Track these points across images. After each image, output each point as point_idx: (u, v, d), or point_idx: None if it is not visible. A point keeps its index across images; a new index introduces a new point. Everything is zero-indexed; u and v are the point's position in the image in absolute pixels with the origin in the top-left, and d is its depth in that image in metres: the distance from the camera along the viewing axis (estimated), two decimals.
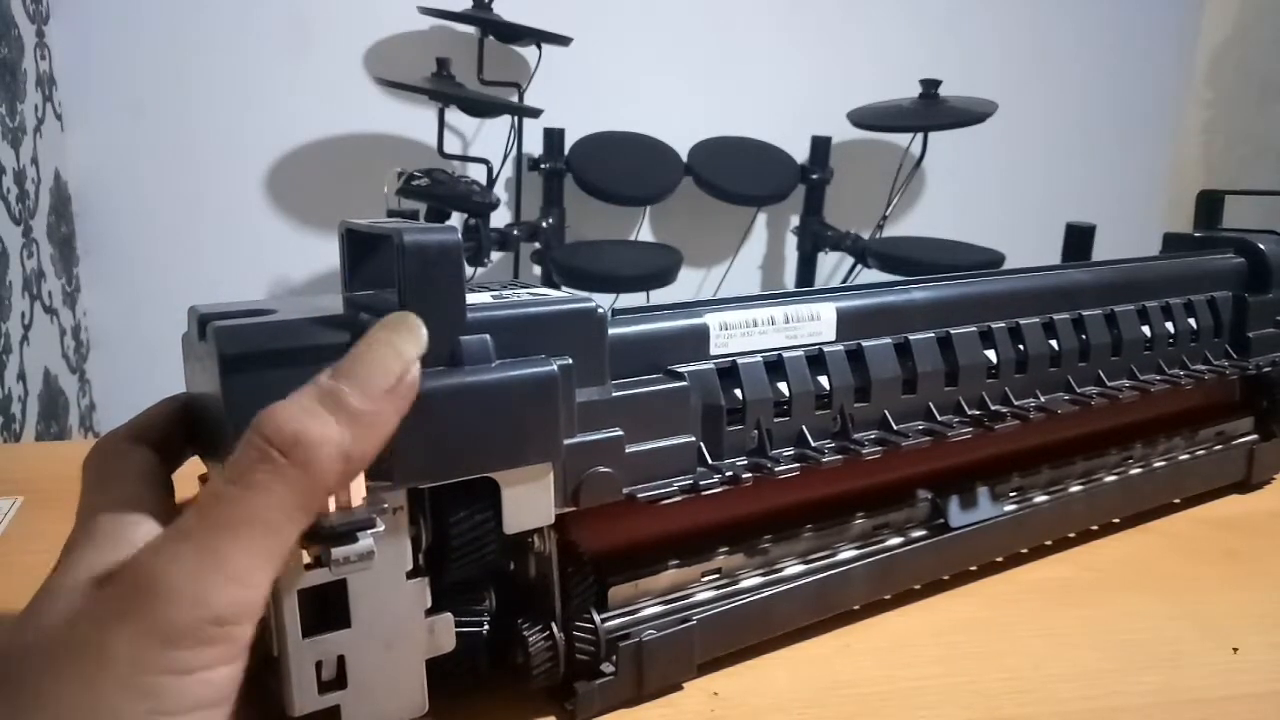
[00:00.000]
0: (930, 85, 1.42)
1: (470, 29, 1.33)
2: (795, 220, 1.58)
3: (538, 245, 1.40)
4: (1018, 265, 0.46)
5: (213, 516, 0.20)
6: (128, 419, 0.28)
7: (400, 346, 0.23)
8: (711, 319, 0.34)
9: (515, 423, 0.27)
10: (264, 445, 0.20)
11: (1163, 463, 0.50)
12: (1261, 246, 0.52)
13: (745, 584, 0.37)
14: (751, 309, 0.35)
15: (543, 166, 1.41)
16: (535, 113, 1.28)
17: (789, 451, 0.35)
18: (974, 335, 0.41)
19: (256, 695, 0.25)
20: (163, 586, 0.19)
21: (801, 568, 0.38)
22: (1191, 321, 0.49)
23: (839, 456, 0.36)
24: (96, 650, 0.19)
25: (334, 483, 0.22)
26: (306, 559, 0.24)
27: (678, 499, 0.32)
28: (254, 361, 0.24)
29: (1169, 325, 0.48)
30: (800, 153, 1.53)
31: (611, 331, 0.31)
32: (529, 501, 0.29)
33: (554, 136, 1.41)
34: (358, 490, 0.23)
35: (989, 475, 0.44)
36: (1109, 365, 0.46)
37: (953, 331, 0.40)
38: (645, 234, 1.57)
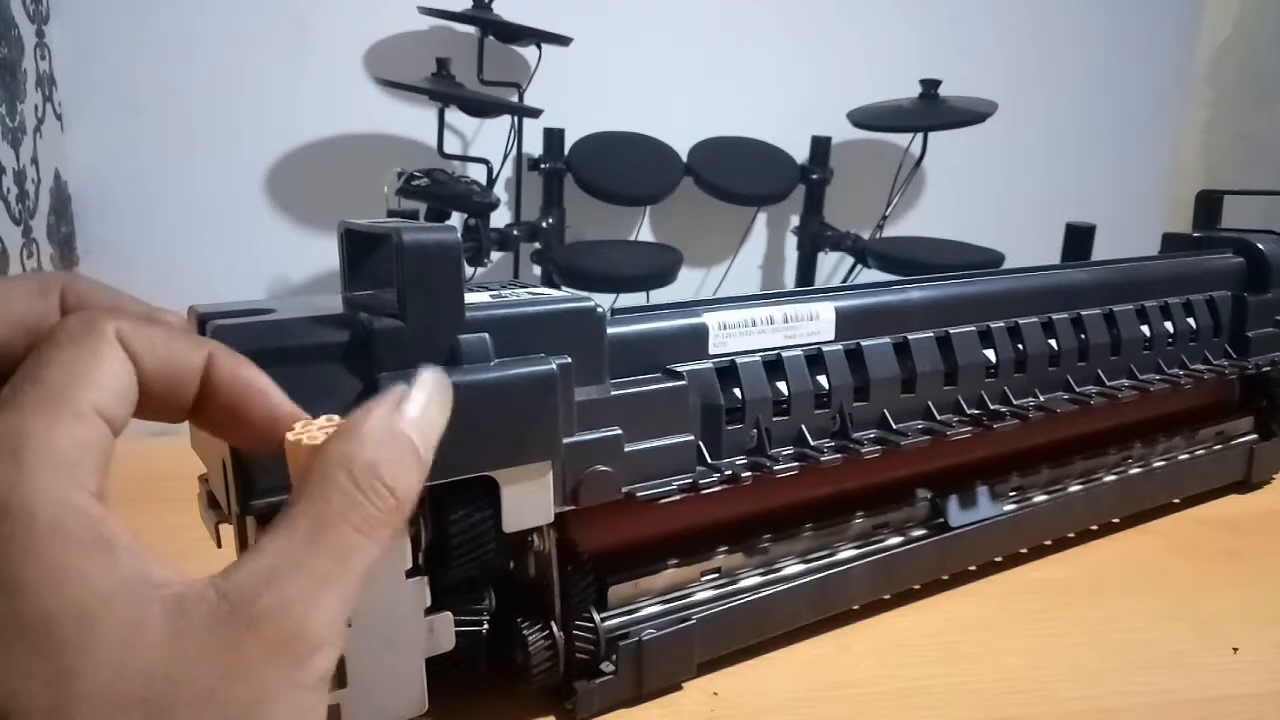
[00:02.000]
0: (930, 85, 1.42)
1: (470, 29, 1.33)
2: (795, 220, 1.58)
3: (538, 245, 1.40)
4: (1017, 265, 0.46)
5: (350, 566, 0.19)
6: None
7: (447, 412, 0.23)
8: (710, 318, 0.34)
9: (514, 421, 0.27)
10: (390, 499, 0.20)
11: (1162, 462, 0.50)
12: (1260, 246, 0.52)
13: (745, 583, 0.37)
14: (750, 308, 0.35)
15: (543, 166, 1.41)
16: (535, 113, 1.28)
17: (788, 450, 0.36)
18: (973, 335, 0.41)
19: None
20: (310, 632, 0.18)
21: (801, 567, 0.38)
22: (1191, 321, 0.49)
23: (838, 456, 0.36)
24: (259, 703, 0.18)
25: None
26: None
27: (677, 498, 0.32)
28: (254, 361, 0.24)
29: (1168, 325, 0.48)
30: (800, 153, 1.53)
31: (610, 331, 0.31)
32: (528, 500, 0.29)
33: (554, 136, 1.41)
34: None
35: (988, 475, 0.44)
36: (1108, 365, 0.46)
37: (952, 331, 0.40)
38: (645, 234, 1.57)
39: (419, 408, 0.22)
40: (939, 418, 0.39)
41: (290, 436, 0.22)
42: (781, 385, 0.35)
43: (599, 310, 0.30)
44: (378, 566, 0.20)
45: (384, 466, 0.20)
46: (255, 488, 0.24)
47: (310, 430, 0.22)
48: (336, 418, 0.23)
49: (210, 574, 0.19)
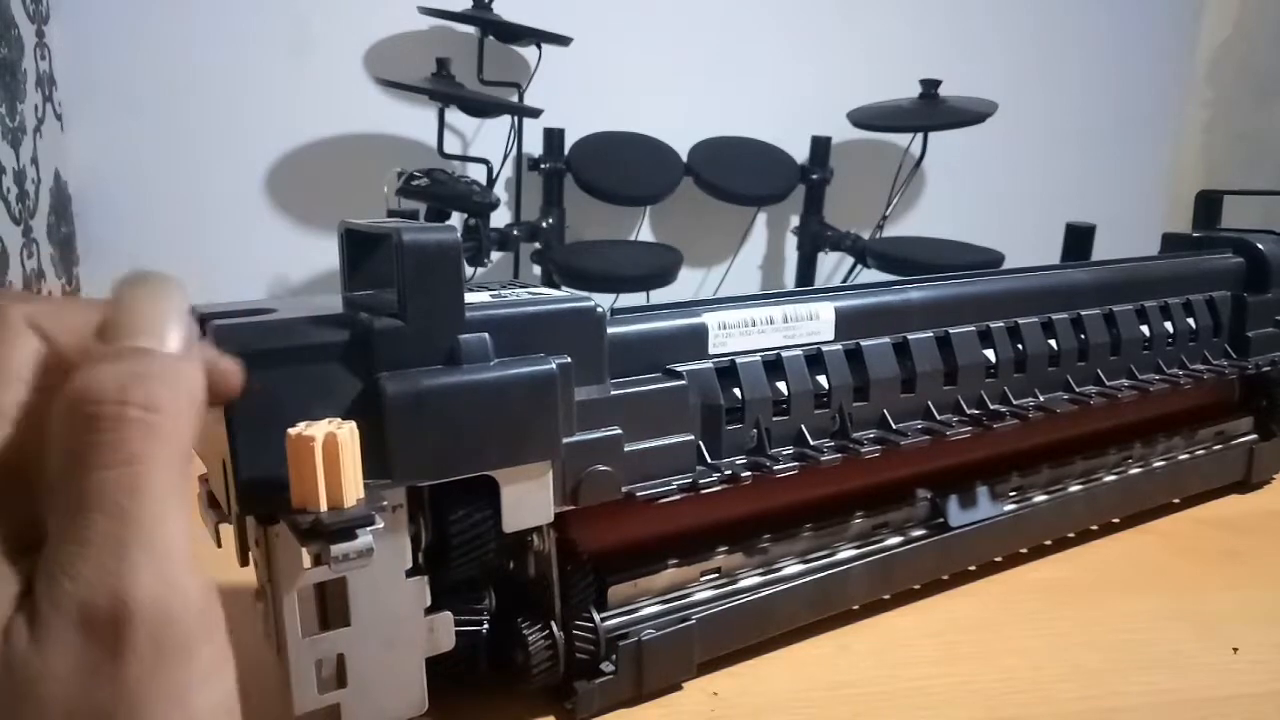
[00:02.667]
0: (930, 85, 1.42)
1: (470, 29, 1.33)
2: (795, 220, 1.58)
3: (538, 245, 1.40)
4: (1017, 265, 0.46)
5: (132, 509, 0.16)
6: None
7: (161, 295, 0.20)
8: (710, 318, 0.34)
9: (514, 421, 0.27)
10: (120, 411, 0.17)
11: (1162, 462, 0.50)
12: (1260, 246, 0.52)
13: (744, 583, 0.37)
14: (750, 308, 0.35)
15: (543, 166, 1.41)
16: (535, 113, 1.28)
17: (788, 450, 0.36)
18: (973, 335, 0.41)
19: None
20: (142, 605, 0.16)
21: (801, 567, 0.38)
22: (1190, 321, 0.49)
23: (838, 455, 0.36)
24: (121, 703, 0.16)
25: (198, 426, 0.19)
26: (306, 558, 0.24)
27: (676, 497, 0.32)
28: (253, 360, 0.24)
29: (1168, 325, 0.48)
30: (800, 153, 1.53)
31: (610, 330, 0.31)
32: (528, 500, 0.29)
33: (554, 136, 1.41)
34: (355, 487, 0.23)
35: (988, 475, 0.44)
36: (1108, 365, 0.46)
37: (951, 331, 0.40)
38: (645, 234, 1.57)
39: (119, 312, 0.19)
40: (939, 418, 0.39)
41: (292, 432, 0.22)
42: (781, 385, 0.35)
43: (599, 310, 0.30)
44: (180, 490, 0.17)
45: (103, 385, 0.17)
46: (255, 488, 0.24)
47: (314, 428, 0.22)
48: (337, 420, 0.23)
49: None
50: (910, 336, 0.39)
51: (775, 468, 0.34)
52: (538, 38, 1.33)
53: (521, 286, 0.31)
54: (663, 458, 0.32)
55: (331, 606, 0.26)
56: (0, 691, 0.16)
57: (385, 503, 0.25)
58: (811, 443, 0.36)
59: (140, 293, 0.20)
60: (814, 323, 0.36)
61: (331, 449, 0.22)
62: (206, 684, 0.17)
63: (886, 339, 0.38)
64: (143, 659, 0.16)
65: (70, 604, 0.16)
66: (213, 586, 0.17)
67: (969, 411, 0.40)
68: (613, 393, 0.31)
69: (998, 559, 0.44)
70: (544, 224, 1.40)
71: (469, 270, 1.30)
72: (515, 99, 1.38)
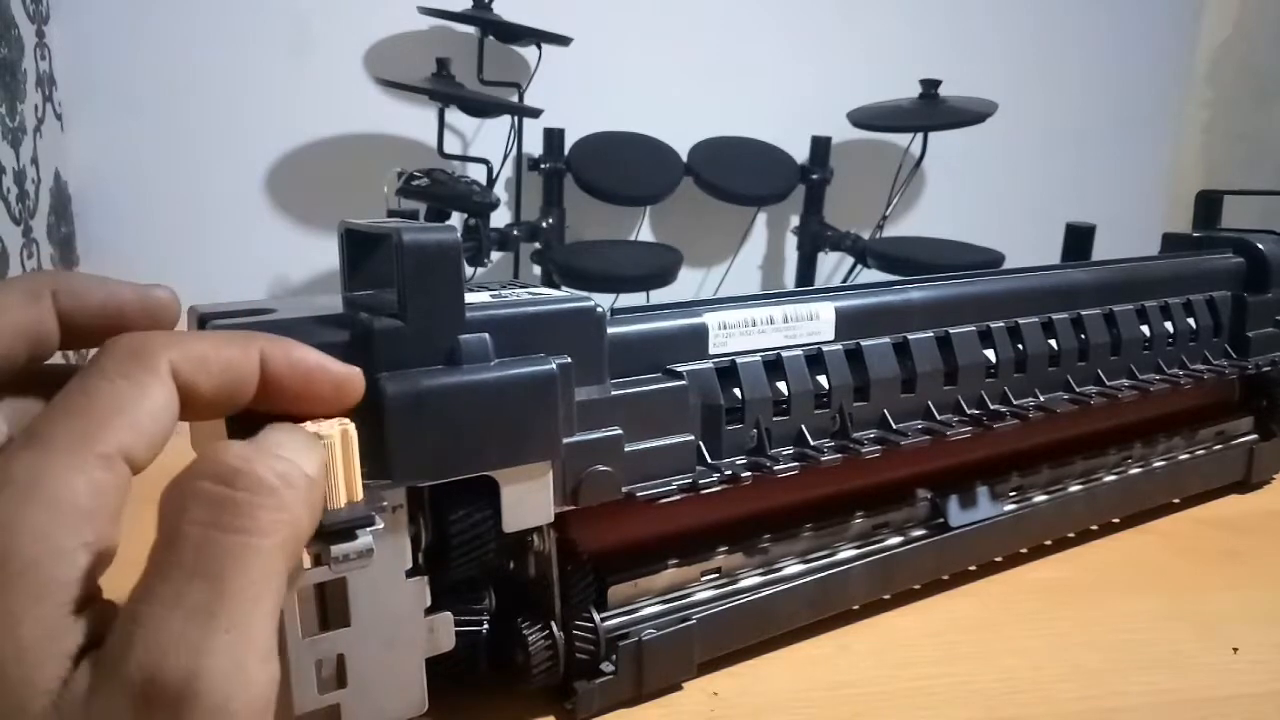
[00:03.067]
0: (930, 85, 1.42)
1: (470, 29, 1.33)
2: (795, 220, 1.58)
3: (538, 245, 1.40)
4: (1017, 265, 0.46)
5: (234, 585, 0.16)
6: None
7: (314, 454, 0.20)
8: (710, 318, 0.34)
9: (514, 421, 0.27)
10: (262, 476, 0.17)
11: (1162, 462, 0.50)
12: (1260, 246, 0.52)
13: (745, 583, 0.37)
14: (750, 308, 0.35)
15: (543, 166, 1.41)
16: (535, 113, 1.28)
17: (788, 450, 0.36)
18: (973, 335, 0.41)
19: None
20: (207, 691, 0.15)
21: (801, 567, 0.38)
22: (1191, 321, 0.49)
23: (838, 455, 0.36)
24: None
25: (318, 514, 0.19)
26: (306, 558, 0.24)
27: (677, 498, 0.32)
28: None
29: (1168, 325, 0.48)
30: (800, 153, 1.53)
31: (610, 331, 0.31)
32: (528, 500, 0.29)
33: (554, 136, 1.41)
34: (354, 487, 0.23)
35: (988, 475, 0.44)
36: (1108, 365, 0.46)
37: (952, 331, 0.40)
38: (645, 234, 1.57)
39: (277, 439, 0.19)
40: (939, 418, 0.39)
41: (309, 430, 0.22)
42: (781, 385, 0.35)
43: (599, 310, 0.30)
44: (284, 574, 0.17)
45: (239, 449, 0.17)
46: None
47: (320, 426, 0.22)
48: (326, 422, 0.22)
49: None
50: (910, 336, 0.39)
51: (775, 468, 0.34)
52: (538, 38, 1.33)
53: (521, 286, 0.31)
54: (663, 458, 0.32)
55: (331, 607, 0.26)
56: None
57: (385, 503, 0.25)
58: (812, 443, 0.36)
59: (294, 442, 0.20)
60: (814, 323, 0.36)
61: (330, 450, 0.22)
62: None
63: (887, 339, 0.38)
64: None
65: (138, 672, 0.15)
66: (278, 680, 0.17)
67: (969, 411, 0.40)
68: (613, 393, 0.31)
69: (998, 559, 0.44)
70: (544, 224, 1.40)
71: (469, 270, 1.30)
72: (515, 99, 1.38)
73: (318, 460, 0.19)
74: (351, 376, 0.22)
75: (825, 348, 0.37)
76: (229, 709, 0.15)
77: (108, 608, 0.16)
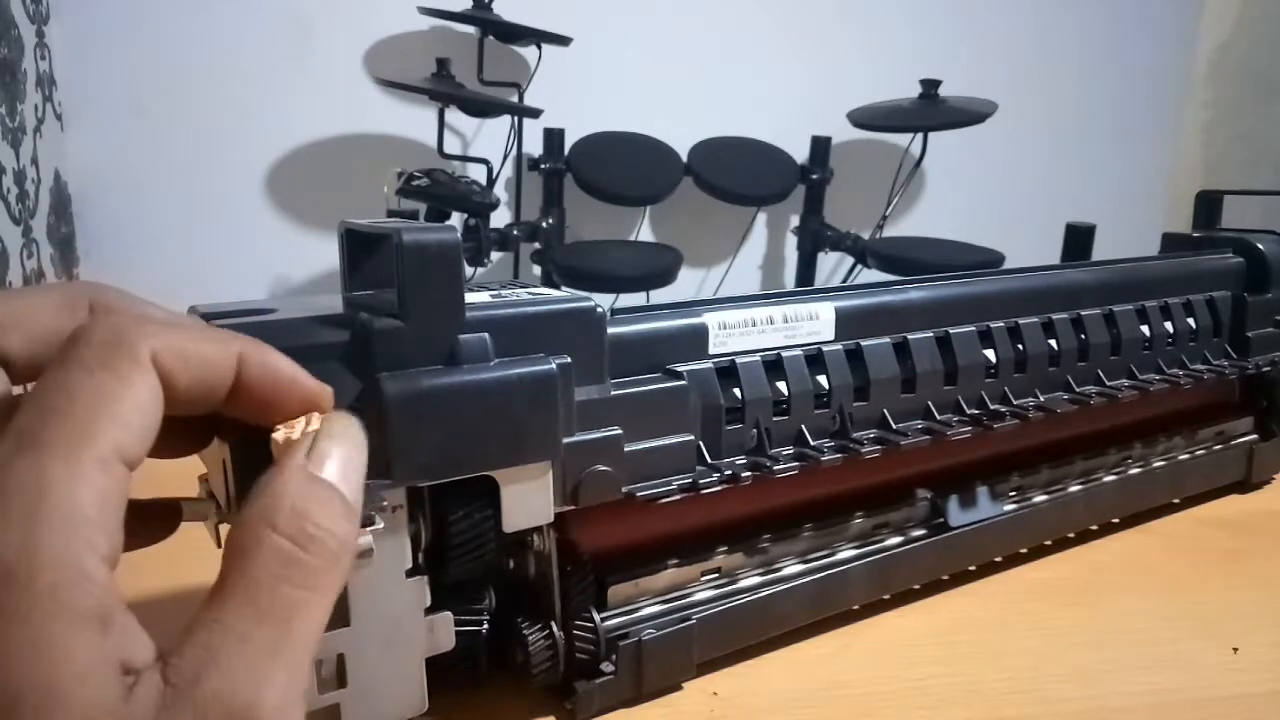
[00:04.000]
0: (930, 85, 1.42)
1: (470, 29, 1.33)
2: (795, 220, 1.58)
3: (538, 245, 1.40)
4: (1017, 265, 0.46)
5: (297, 631, 0.18)
6: None
7: (364, 454, 0.21)
8: (710, 318, 0.34)
9: (514, 421, 0.27)
10: (329, 542, 0.19)
11: (1162, 462, 0.50)
12: (1260, 246, 0.52)
13: (745, 583, 0.37)
14: (750, 308, 0.35)
15: (543, 166, 1.41)
16: (535, 113, 1.28)
17: (788, 450, 0.36)
18: (973, 335, 0.41)
19: None
20: (266, 716, 0.17)
21: (801, 567, 0.38)
22: (1190, 321, 0.49)
23: (838, 455, 0.36)
24: None
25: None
26: None
27: (677, 497, 0.32)
28: None
29: (1168, 325, 0.48)
30: (800, 153, 1.53)
31: (610, 331, 0.31)
32: (528, 500, 0.29)
33: (554, 136, 1.41)
34: None
35: (988, 475, 0.44)
36: (1108, 365, 0.46)
37: (951, 331, 0.40)
38: (645, 234, 1.57)
39: (331, 453, 0.20)
40: (939, 418, 0.39)
41: (278, 436, 0.22)
42: (781, 385, 0.35)
43: (599, 310, 0.30)
44: (324, 623, 0.19)
45: (312, 510, 0.19)
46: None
47: (297, 429, 0.22)
48: (318, 416, 0.22)
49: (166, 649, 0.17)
50: (910, 336, 0.39)
51: (775, 468, 0.34)
52: (538, 38, 1.33)
53: (521, 286, 0.31)
54: (663, 458, 0.32)
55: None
56: None
57: (385, 503, 0.25)
58: (812, 443, 0.36)
59: (352, 435, 0.21)
60: (814, 323, 0.36)
61: None
62: None
63: (887, 339, 0.38)
64: None
65: (212, 698, 0.16)
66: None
67: (969, 411, 0.40)
68: (613, 393, 0.31)
69: (998, 559, 0.44)
70: (544, 224, 1.41)
71: (469, 270, 1.30)
72: (515, 99, 1.38)
73: (356, 526, 0.20)
74: (322, 394, 0.22)
75: (825, 348, 0.37)
76: None
77: (128, 615, 0.17)
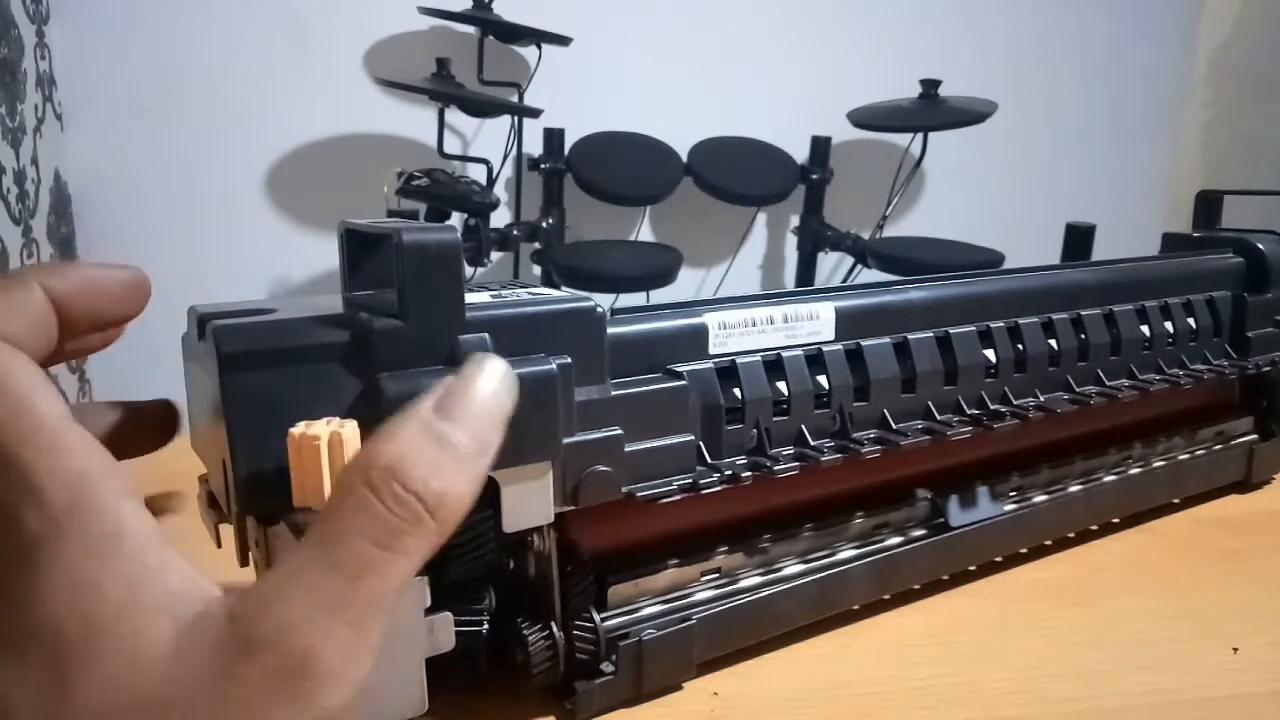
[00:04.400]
0: (930, 85, 1.42)
1: (470, 29, 1.33)
2: (795, 220, 1.58)
3: (538, 245, 1.40)
4: (1017, 265, 0.46)
5: (369, 589, 0.18)
6: None
7: (506, 405, 0.22)
8: (710, 318, 0.34)
9: (514, 422, 0.27)
10: (414, 504, 0.18)
11: (1162, 462, 0.50)
12: (1260, 246, 0.52)
13: (745, 583, 0.37)
14: (750, 309, 0.35)
15: (543, 166, 1.41)
16: (535, 113, 1.28)
17: (788, 451, 0.35)
18: (973, 335, 0.41)
19: None
20: (321, 669, 0.17)
21: (801, 567, 0.38)
22: (1191, 321, 0.49)
23: (838, 456, 0.36)
24: None
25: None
26: None
27: (677, 498, 0.32)
28: (253, 360, 0.24)
29: (1168, 325, 0.48)
30: (800, 153, 1.53)
31: (611, 331, 0.31)
32: (528, 500, 0.29)
33: (554, 136, 1.41)
34: None
35: (988, 475, 0.44)
36: (1108, 365, 0.46)
37: (952, 331, 0.40)
38: (645, 234, 1.57)
39: (465, 396, 0.20)
40: (939, 418, 0.39)
41: (294, 432, 0.22)
42: (781, 385, 0.35)
43: (599, 310, 0.30)
44: (406, 588, 0.19)
45: (409, 468, 0.19)
46: (255, 488, 0.24)
47: (315, 428, 0.22)
48: (337, 420, 0.23)
49: (233, 585, 0.18)
50: (911, 336, 0.39)
51: (775, 468, 0.34)
52: (538, 38, 1.33)
53: (522, 287, 0.31)
54: (663, 458, 0.32)
55: None
56: (187, 666, 0.17)
57: None
58: (812, 443, 0.36)
59: (487, 383, 0.21)
60: (814, 323, 0.36)
61: (336, 449, 0.22)
62: None
63: (887, 339, 0.38)
64: (292, 713, 0.17)
65: (269, 636, 0.17)
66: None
67: (969, 411, 0.40)
68: (613, 393, 0.31)
69: (998, 559, 0.44)
70: (544, 224, 1.41)
71: (469, 270, 1.30)
72: (515, 99, 1.38)
73: (474, 486, 0.20)
74: (134, 273, 0.23)
75: (825, 348, 0.36)
76: (333, 688, 0.17)
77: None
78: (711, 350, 0.34)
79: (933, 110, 1.41)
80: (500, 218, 1.40)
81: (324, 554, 0.18)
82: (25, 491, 0.17)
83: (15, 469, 0.17)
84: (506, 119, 1.40)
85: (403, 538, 0.18)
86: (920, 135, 1.46)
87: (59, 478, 0.17)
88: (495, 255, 1.42)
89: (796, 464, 0.34)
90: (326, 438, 0.22)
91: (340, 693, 0.17)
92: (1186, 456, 0.51)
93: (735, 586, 0.36)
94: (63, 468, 0.17)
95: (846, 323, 0.37)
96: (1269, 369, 0.52)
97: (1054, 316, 0.44)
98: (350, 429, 0.23)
